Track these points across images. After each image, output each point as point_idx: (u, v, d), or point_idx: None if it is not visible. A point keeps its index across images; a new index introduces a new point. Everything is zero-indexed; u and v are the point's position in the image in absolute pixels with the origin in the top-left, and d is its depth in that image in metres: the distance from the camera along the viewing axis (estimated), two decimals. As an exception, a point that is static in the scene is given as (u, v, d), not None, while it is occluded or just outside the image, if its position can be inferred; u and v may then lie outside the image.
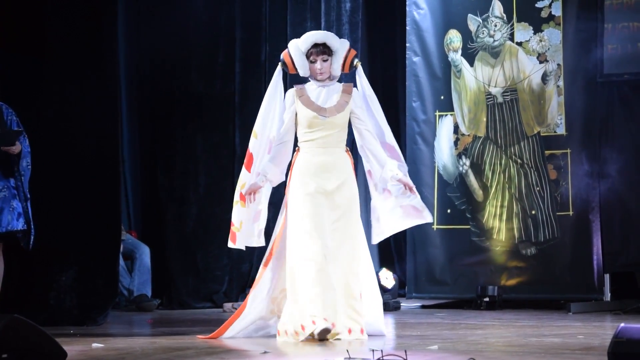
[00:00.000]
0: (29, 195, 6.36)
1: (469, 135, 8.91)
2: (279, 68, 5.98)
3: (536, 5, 8.73)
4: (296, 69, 5.89)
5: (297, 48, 5.86)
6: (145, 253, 8.96)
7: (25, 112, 6.55)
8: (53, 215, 6.91)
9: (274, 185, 6.02)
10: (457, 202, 8.91)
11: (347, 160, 5.91)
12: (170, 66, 9.25)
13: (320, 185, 5.77)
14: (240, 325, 5.93)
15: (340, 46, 5.83)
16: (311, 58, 5.81)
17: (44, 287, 6.97)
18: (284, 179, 6.00)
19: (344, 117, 5.84)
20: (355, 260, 5.82)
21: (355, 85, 6.02)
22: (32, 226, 6.34)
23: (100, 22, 7.26)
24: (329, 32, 6.13)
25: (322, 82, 5.86)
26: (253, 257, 9.05)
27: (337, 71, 5.86)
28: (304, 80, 6.03)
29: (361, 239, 5.93)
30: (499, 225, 8.72)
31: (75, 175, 7.05)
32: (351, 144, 6.26)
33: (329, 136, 5.84)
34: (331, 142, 5.85)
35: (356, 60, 5.88)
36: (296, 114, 5.89)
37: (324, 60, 5.80)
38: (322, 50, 5.80)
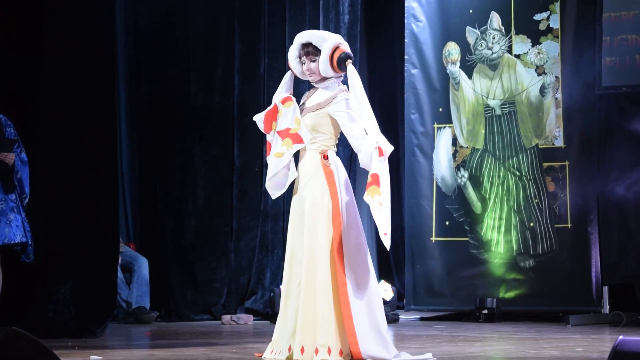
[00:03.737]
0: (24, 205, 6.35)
1: (467, 147, 8.91)
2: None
3: (534, 17, 8.74)
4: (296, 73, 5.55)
5: (292, 51, 5.53)
6: (143, 265, 8.95)
7: (21, 125, 6.54)
8: (51, 227, 6.90)
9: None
10: (455, 214, 8.91)
11: (316, 163, 5.35)
12: (169, 78, 9.27)
13: (298, 193, 5.41)
14: None
15: (326, 44, 5.35)
16: (302, 59, 5.44)
17: (42, 299, 6.94)
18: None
19: (314, 118, 5.36)
20: (316, 275, 5.19)
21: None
22: (30, 237, 6.33)
23: (99, 28, 7.25)
24: (317, 31, 5.60)
25: (321, 84, 5.43)
26: (252, 270, 9.05)
27: (325, 72, 5.36)
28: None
29: (325, 252, 5.20)
30: (498, 237, 8.73)
31: (73, 187, 7.04)
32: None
33: None
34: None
35: (348, 61, 5.30)
36: None
37: (312, 61, 5.39)
38: (308, 50, 5.40)
